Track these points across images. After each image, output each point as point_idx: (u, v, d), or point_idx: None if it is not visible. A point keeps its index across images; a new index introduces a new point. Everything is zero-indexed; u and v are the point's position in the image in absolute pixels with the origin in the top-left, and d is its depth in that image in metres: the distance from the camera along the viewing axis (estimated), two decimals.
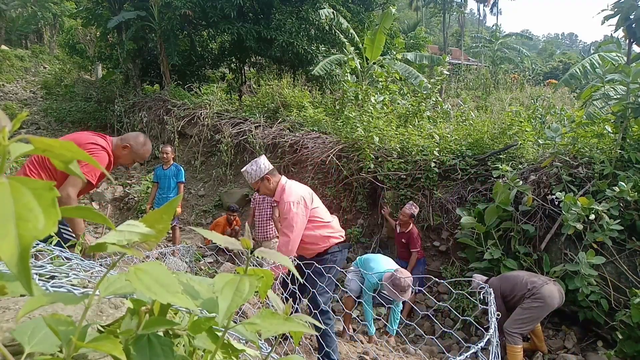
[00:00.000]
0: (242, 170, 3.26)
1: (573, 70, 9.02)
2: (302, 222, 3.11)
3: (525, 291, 3.99)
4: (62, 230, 2.81)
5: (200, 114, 9.83)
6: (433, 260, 6.01)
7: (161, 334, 0.60)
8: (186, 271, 4.42)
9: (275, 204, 3.28)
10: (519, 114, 6.71)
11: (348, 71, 9.17)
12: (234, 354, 0.68)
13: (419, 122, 7.85)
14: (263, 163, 3.17)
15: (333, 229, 3.31)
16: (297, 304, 3.12)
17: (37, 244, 1.53)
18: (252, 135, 8.56)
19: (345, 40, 10.67)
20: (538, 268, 4.81)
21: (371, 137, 6.66)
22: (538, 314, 3.97)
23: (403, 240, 5.57)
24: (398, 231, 5.66)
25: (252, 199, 6.19)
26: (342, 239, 3.35)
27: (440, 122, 8.15)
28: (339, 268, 3.29)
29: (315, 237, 3.21)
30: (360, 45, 10.88)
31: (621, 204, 4.54)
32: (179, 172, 6.11)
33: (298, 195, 3.13)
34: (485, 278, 4.39)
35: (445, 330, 2.43)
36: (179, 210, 7.20)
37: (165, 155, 6.07)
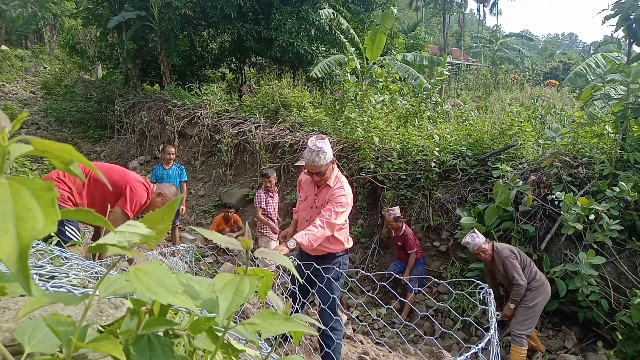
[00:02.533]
0: (312, 149, 2.84)
1: (578, 69, 9.08)
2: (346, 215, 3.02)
3: (532, 280, 4.07)
4: (67, 229, 2.88)
5: (200, 114, 9.81)
6: (433, 260, 6.01)
7: (161, 334, 0.60)
8: (186, 271, 4.42)
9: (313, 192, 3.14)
10: (519, 114, 6.71)
11: (348, 71, 9.16)
12: (234, 354, 0.68)
13: (419, 122, 7.84)
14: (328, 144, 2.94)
15: (348, 233, 3.31)
16: (298, 305, 3.11)
17: (37, 244, 1.53)
18: (252, 135, 8.56)
19: (345, 40, 10.65)
20: (538, 268, 4.82)
21: (371, 138, 6.66)
22: (540, 308, 4.08)
23: (399, 243, 5.60)
24: (393, 235, 5.68)
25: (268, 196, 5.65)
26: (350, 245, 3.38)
27: (440, 122, 8.15)
28: (344, 274, 3.31)
29: (345, 232, 3.19)
30: (361, 45, 10.86)
31: (621, 204, 4.54)
32: (182, 172, 6.17)
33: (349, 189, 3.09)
34: (483, 238, 4.35)
35: (445, 330, 2.43)
36: (184, 209, 7.21)
37: (169, 156, 6.12)
